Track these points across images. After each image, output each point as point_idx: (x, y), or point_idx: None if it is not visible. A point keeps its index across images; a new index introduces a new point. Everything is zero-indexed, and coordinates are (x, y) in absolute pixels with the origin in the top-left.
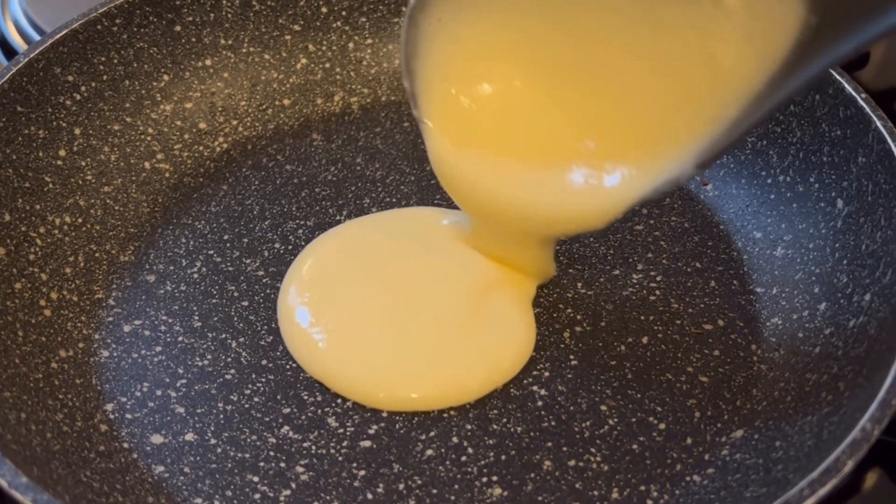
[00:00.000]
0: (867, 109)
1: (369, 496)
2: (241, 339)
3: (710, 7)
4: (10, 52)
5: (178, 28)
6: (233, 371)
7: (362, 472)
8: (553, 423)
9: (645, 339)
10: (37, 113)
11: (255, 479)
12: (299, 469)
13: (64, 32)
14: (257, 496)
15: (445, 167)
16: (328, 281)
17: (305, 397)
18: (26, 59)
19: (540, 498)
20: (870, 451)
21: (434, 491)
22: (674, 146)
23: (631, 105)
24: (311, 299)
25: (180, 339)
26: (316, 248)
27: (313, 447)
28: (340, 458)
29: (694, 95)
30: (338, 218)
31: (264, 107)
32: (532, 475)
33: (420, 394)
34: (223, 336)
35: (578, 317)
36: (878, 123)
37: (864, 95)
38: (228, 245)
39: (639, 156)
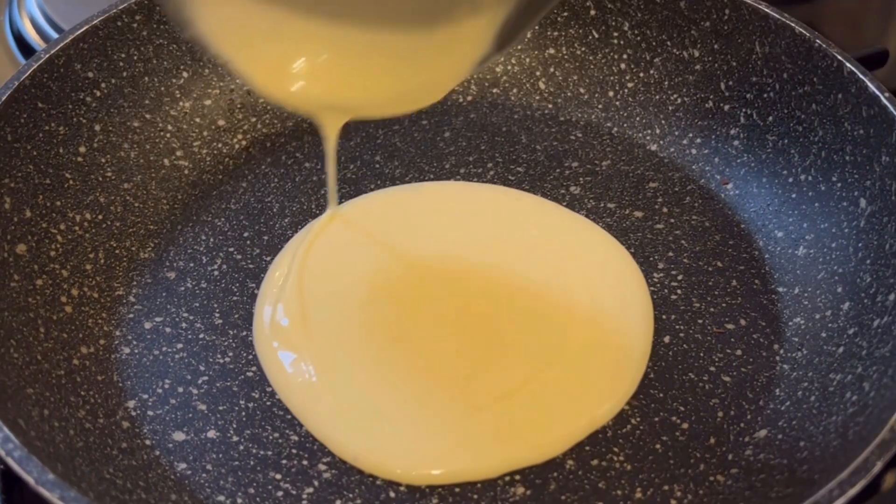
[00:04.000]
0: (891, 108)
1: (392, 494)
2: None
3: None
4: (26, 49)
5: None
6: (254, 368)
7: None
8: None
9: (667, 339)
10: (57, 109)
11: (278, 476)
12: (322, 467)
13: (84, 29)
14: (280, 494)
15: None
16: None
17: None
18: (47, 56)
19: (563, 497)
20: None
21: (457, 490)
22: (473, 32)
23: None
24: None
25: (201, 336)
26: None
27: None
28: None
29: None
30: None
31: None
32: (555, 474)
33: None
34: (244, 333)
35: None
36: None
37: (887, 94)
38: (248, 242)
39: (442, 45)
